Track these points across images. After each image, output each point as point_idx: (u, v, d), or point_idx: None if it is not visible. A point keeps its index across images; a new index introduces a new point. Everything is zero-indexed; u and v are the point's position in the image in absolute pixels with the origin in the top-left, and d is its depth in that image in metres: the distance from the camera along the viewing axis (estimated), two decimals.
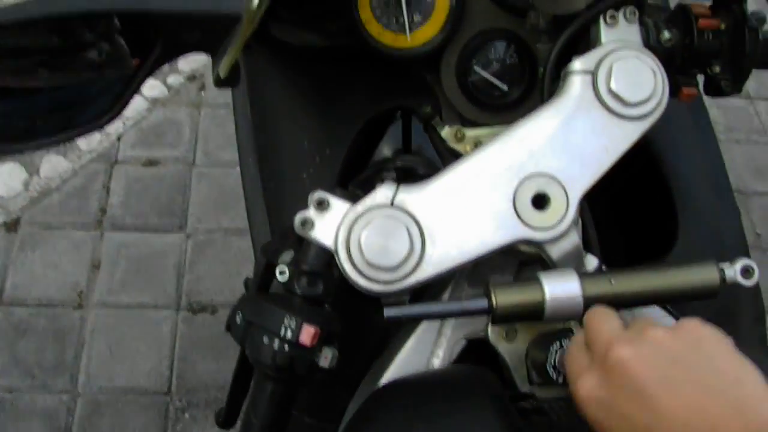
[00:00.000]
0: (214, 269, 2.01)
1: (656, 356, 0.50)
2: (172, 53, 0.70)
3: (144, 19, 0.67)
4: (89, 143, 2.22)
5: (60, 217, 2.10)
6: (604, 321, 0.55)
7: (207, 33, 0.69)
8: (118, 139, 2.25)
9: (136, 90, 0.69)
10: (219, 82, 0.68)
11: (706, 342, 0.51)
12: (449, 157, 0.83)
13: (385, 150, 1.26)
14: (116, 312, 1.95)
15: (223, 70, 0.66)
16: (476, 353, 0.74)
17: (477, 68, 0.81)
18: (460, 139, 0.82)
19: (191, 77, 2.40)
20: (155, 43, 0.67)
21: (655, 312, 0.78)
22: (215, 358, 1.88)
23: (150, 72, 0.69)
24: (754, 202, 2.74)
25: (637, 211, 0.96)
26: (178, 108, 2.32)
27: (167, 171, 2.20)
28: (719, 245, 0.87)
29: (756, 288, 0.91)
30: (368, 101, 0.86)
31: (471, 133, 0.82)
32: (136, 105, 2.30)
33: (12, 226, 2.08)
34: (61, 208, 2.12)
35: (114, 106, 0.69)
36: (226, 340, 0.72)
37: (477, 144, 0.81)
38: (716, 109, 2.94)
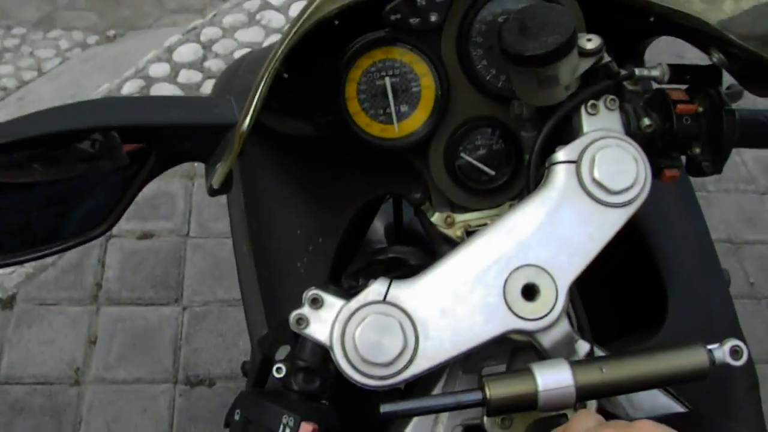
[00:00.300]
0: (211, 341, 2.01)
1: None
2: (166, 163, 0.72)
3: (138, 132, 0.69)
4: None
5: (56, 293, 2.10)
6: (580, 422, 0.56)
7: (199, 143, 0.71)
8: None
9: (131, 200, 0.71)
10: (213, 192, 0.70)
11: None
12: (440, 241, 0.85)
13: (378, 226, 1.28)
14: (113, 388, 1.94)
15: (216, 181, 0.68)
16: None
17: (464, 155, 0.83)
18: (450, 224, 0.84)
19: None
20: (149, 154, 0.68)
21: (654, 395, 0.79)
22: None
23: (145, 183, 0.71)
24: (746, 251, 2.76)
25: (629, 290, 0.98)
26: (172, 179, 2.35)
27: (162, 243, 2.21)
28: (709, 320, 0.89)
29: (749, 355, 0.92)
30: (359, 189, 0.88)
31: (461, 218, 0.84)
32: None
33: (8, 303, 2.09)
34: (57, 283, 2.12)
35: (110, 217, 0.70)
36: (225, 413, 0.73)
37: (467, 228, 0.83)
38: None
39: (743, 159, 3.07)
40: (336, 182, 0.89)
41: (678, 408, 0.79)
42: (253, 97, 0.64)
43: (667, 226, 0.91)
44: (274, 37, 2.93)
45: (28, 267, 2.14)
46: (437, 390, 0.75)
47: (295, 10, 3.06)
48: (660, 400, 0.78)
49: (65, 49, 3.67)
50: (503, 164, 0.84)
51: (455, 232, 0.83)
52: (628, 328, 0.96)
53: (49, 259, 2.16)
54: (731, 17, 0.70)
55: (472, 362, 0.74)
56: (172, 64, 2.74)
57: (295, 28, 0.71)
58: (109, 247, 2.20)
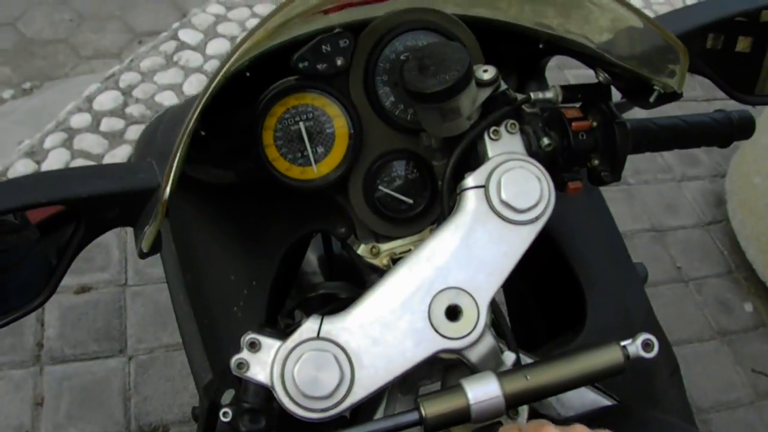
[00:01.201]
0: (160, 388, 2.01)
1: None
2: (95, 232, 0.74)
3: (66, 205, 0.71)
4: None
5: None
6: None
7: (125, 209, 0.74)
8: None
9: (65, 270, 0.73)
10: (143, 255, 0.73)
11: None
12: (368, 271, 0.89)
13: (311, 258, 1.32)
14: None
15: (145, 245, 0.71)
16: None
17: (382, 187, 0.88)
18: (376, 254, 0.88)
19: None
20: (78, 225, 0.71)
21: (582, 392, 0.84)
22: None
23: (77, 252, 0.73)
24: (670, 237, 2.88)
25: (553, 296, 1.03)
26: None
27: (100, 295, 2.20)
28: (626, 316, 0.95)
29: (667, 343, 0.98)
30: (286, 230, 0.91)
31: (385, 247, 0.88)
32: None
33: None
34: None
35: (45, 288, 0.72)
36: None
37: (392, 257, 0.88)
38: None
39: None
40: (263, 226, 0.92)
41: (605, 402, 0.85)
42: (172, 165, 0.67)
43: (580, 232, 0.97)
44: (194, 78, 2.94)
45: None
46: (379, 413, 0.79)
47: (212, 49, 3.07)
48: (588, 397, 0.84)
49: None
50: (420, 192, 0.89)
51: (381, 261, 0.88)
52: (556, 331, 1.01)
53: None
54: (609, 40, 0.77)
55: (410, 383, 0.79)
56: (93, 114, 2.72)
57: (210, 85, 0.74)
58: (47, 305, 2.16)
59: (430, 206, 0.89)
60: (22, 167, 2.51)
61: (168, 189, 0.67)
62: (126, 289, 2.22)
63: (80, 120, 2.68)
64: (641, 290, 0.98)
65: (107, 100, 2.78)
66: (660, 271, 2.75)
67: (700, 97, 3.18)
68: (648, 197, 3.01)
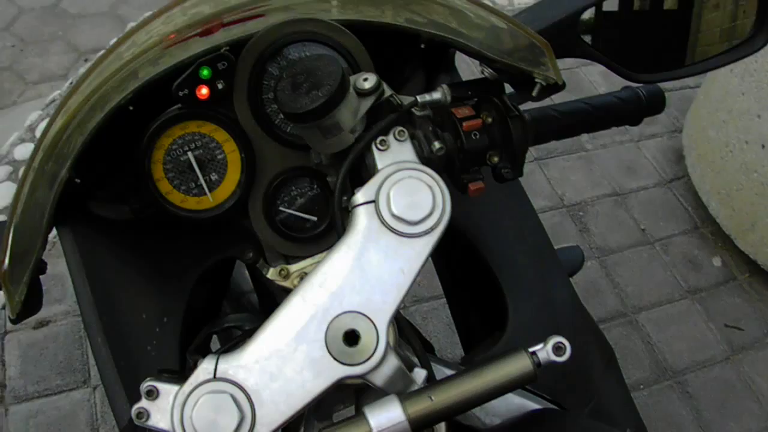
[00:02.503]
0: None
1: None
2: None
3: None
4: None
5: None
6: None
7: None
8: (3, 308, 2.20)
9: None
10: (15, 321, 0.70)
11: None
12: (281, 293, 0.86)
13: (246, 274, 1.29)
14: None
15: (11, 312, 0.68)
16: None
17: (283, 207, 0.85)
18: (285, 276, 0.85)
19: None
20: None
21: (507, 397, 0.82)
22: None
23: None
24: (632, 199, 2.88)
25: (485, 299, 1.01)
26: (57, 261, 2.27)
27: (59, 328, 2.17)
28: (552, 312, 0.92)
29: (598, 332, 0.96)
30: (193, 261, 0.89)
31: (295, 267, 0.85)
32: None
33: None
34: None
35: None
36: None
37: (302, 277, 0.85)
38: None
39: None
40: (170, 259, 0.89)
41: (533, 405, 0.83)
42: (8, 234, 0.64)
43: (496, 229, 0.95)
44: None
45: None
46: None
47: None
48: (513, 401, 0.82)
49: None
50: (323, 208, 0.86)
51: (292, 282, 0.85)
52: (491, 329, 0.99)
53: None
54: (486, 38, 0.74)
55: (325, 410, 0.76)
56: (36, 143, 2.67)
57: (74, 124, 0.71)
58: (6, 344, 2.14)
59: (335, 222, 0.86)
60: None
61: (7, 260, 0.63)
62: None
63: (24, 151, 2.64)
64: (565, 281, 0.96)
65: None
66: (624, 236, 2.74)
67: None
68: (607, 161, 3.00)
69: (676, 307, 2.56)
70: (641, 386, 2.32)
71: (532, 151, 2.92)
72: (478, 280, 0.97)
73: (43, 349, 2.12)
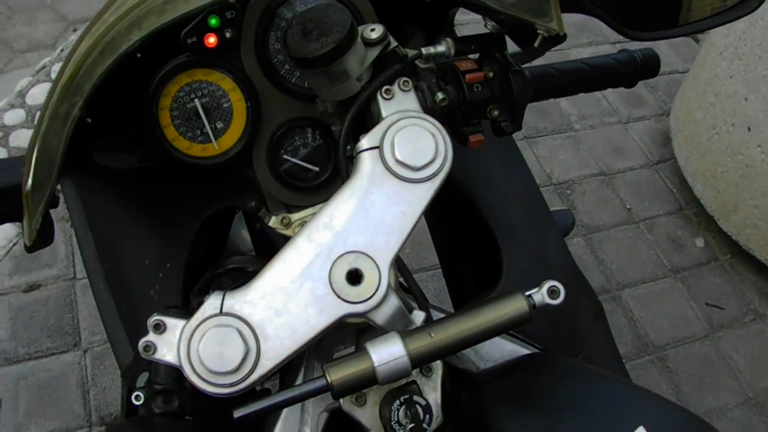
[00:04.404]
0: (118, 378, 1.99)
1: None
2: None
3: None
4: None
5: None
6: None
7: (10, 204, 0.72)
8: None
9: None
10: (29, 249, 0.71)
11: None
12: (282, 242, 0.88)
13: (245, 235, 1.31)
14: None
15: (27, 239, 0.69)
16: (346, 420, 0.78)
17: (286, 156, 0.87)
18: (287, 224, 0.87)
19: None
20: None
21: (499, 343, 0.85)
22: None
23: None
24: (618, 179, 2.91)
25: (477, 251, 1.03)
26: None
27: (50, 292, 2.17)
28: (545, 267, 0.95)
29: (588, 287, 0.99)
30: (196, 208, 0.90)
31: (296, 216, 0.87)
32: (5, 233, 2.27)
33: None
34: None
35: None
36: None
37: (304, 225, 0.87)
38: (566, 102, 3.12)
39: (603, 94, 3.22)
40: (173, 207, 0.91)
41: (525, 351, 0.85)
42: (31, 156, 0.65)
43: (492, 185, 0.97)
44: None
45: None
46: (298, 381, 0.79)
47: None
48: (506, 347, 0.85)
49: None
50: (326, 158, 0.88)
51: (293, 231, 0.87)
52: (483, 286, 1.02)
53: None
54: None
55: (325, 350, 0.79)
56: (26, 109, 2.67)
57: (84, 66, 0.72)
58: None
59: (337, 172, 0.88)
60: None
61: (30, 181, 0.65)
62: (75, 282, 2.20)
63: (14, 116, 2.63)
64: (558, 237, 0.99)
65: (40, 93, 2.73)
66: (610, 215, 2.78)
67: None
68: (595, 142, 3.03)
69: (658, 285, 2.60)
70: (623, 360, 2.36)
71: (522, 131, 2.95)
72: (473, 235, 0.99)
73: (34, 312, 2.13)
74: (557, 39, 0.78)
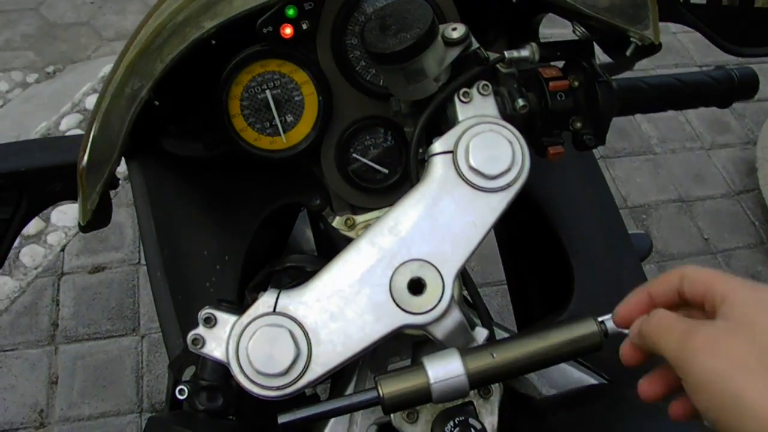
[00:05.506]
0: None
1: None
2: (39, 205, 0.72)
3: (7, 179, 0.68)
4: (34, 259, 2.22)
5: (12, 338, 2.08)
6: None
7: (68, 182, 0.71)
8: (62, 250, 2.25)
9: (10, 245, 0.70)
10: (84, 229, 0.70)
11: None
12: (345, 244, 0.85)
13: (309, 233, 1.28)
14: (79, 425, 1.93)
15: (82, 219, 0.68)
16: None
17: (356, 155, 0.84)
18: (351, 226, 0.84)
19: (127, 177, 2.41)
20: (21, 199, 0.68)
21: (565, 369, 0.80)
22: None
23: (21, 226, 0.71)
24: (697, 207, 2.80)
25: (547, 269, 0.98)
26: (118, 209, 2.33)
27: (114, 275, 2.20)
28: (618, 292, 0.89)
29: None
30: (260, 203, 0.88)
31: (361, 218, 0.84)
32: (74, 213, 2.31)
33: None
34: (13, 328, 2.10)
35: None
36: None
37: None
38: (647, 123, 3.02)
39: (687, 118, 3.10)
40: (237, 200, 0.89)
41: (591, 380, 0.80)
42: (89, 134, 0.64)
43: (569, 201, 0.92)
44: None
45: None
46: (349, 390, 0.76)
47: None
48: (572, 374, 0.80)
49: (6, 90, 3.60)
50: (396, 161, 0.85)
51: (357, 233, 0.84)
52: (550, 304, 0.97)
53: (1, 306, 2.14)
54: None
55: (379, 360, 0.75)
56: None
57: (153, 48, 0.71)
58: (62, 285, 2.18)
59: (407, 175, 0.84)
60: None
61: (86, 158, 0.63)
62: (139, 268, 2.22)
63: (95, 101, 2.68)
64: (635, 262, 0.93)
65: None
66: (686, 243, 2.67)
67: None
68: (675, 166, 2.92)
69: None
70: None
71: (599, 149, 2.86)
72: (544, 252, 0.95)
73: (97, 293, 2.16)
74: (651, 49, 0.73)
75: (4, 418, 1.93)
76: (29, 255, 2.24)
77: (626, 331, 0.65)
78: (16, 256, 2.20)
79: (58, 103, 2.92)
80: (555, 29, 0.74)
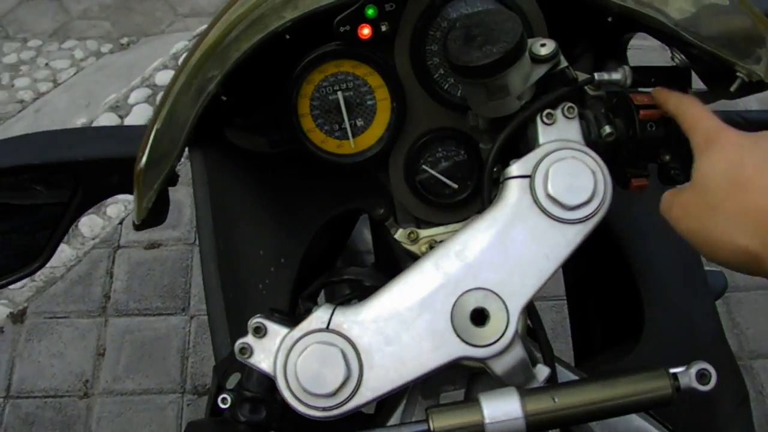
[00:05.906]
0: None
1: None
2: (94, 197, 0.70)
3: (63, 168, 0.67)
4: (92, 230, 2.25)
5: (65, 306, 2.11)
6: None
7: (125, 175, 0.69)
8: (120, 223, 2.27)
9: (63, 236, 0.69)
10: (137, 227, 0.68)
11: None
12: (405, 258, 0.82)
13: (368, 235, 1.25)
14: (122, 399, 1.95)
15: (136, 217, 0.66)
16: None
17: (425, 167, 0.80)
18: (414, 240, 0.80)
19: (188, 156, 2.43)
20: (77, 189, 0.66)
21: (628, 418, 0.75)
22: None
23: (76, 217, 0.69)
24: None
25: (614, 303, 0.93)
26: (178, 188, 2.32)
27: (169, 253, 2.21)
28: (690, 334, 0.84)
29: (735, 366, 0.87)
30: (320, 206, 0.86)
31: (425, 233, 0.81)
32: None
33: (18, 317, 2.10)
34: (66, 296, 2.13)
35: (43, 253, 0.68)
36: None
37: (431, 244, 0.80)
38: (755, 103, 2.91)
39: None
40: (299, 201, 0.87)
41: (655, 431, 0.75)
42: (150, 130, 0.61)
43: (646, 234, 0.87)
44: None
45: (38, 281, 2.15)
46: (396, 415, 0.73)
47: None
48: (635, 423, 0.75)
49: (80, 59, 3.66)
50: (467, 176, 0.81)
51: (420, 248, 0.80)
52: (613, 340, 0.92)
53: (58, 273, 2.17)
54: (689, 17, 0.66)
55: (432, 387, 0.72)
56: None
57: (224, 41, 0.69)
58: (117, 258, 2.20)
59: (477, 193, 0.80)
60: (106, 121, 2.55)
61: (145, 156, 0.61)
62: (194, 248, 2.22)
63: (165, 77, 2.70)
64: (710, 302, 0.87)
65: None
66: (750, 278, 2.55)
67: None
68: None
69: None
70: None
71: None
72: (612, 282, 0.90)
73: (150, 270, 2.18)
74: (759, 86, 0.67)
75: (50, 383, 1.96)
76: (88, 225, 2.27)
77: (701, 389, 0.60)
78: (75, 225, 2.22)
79: (129, 76, 2.96)
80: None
